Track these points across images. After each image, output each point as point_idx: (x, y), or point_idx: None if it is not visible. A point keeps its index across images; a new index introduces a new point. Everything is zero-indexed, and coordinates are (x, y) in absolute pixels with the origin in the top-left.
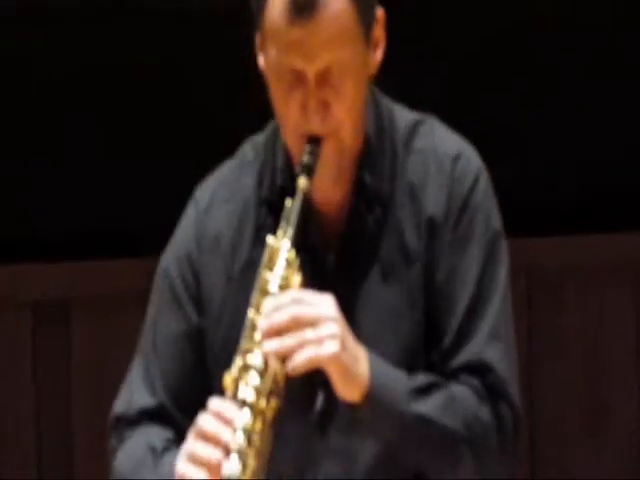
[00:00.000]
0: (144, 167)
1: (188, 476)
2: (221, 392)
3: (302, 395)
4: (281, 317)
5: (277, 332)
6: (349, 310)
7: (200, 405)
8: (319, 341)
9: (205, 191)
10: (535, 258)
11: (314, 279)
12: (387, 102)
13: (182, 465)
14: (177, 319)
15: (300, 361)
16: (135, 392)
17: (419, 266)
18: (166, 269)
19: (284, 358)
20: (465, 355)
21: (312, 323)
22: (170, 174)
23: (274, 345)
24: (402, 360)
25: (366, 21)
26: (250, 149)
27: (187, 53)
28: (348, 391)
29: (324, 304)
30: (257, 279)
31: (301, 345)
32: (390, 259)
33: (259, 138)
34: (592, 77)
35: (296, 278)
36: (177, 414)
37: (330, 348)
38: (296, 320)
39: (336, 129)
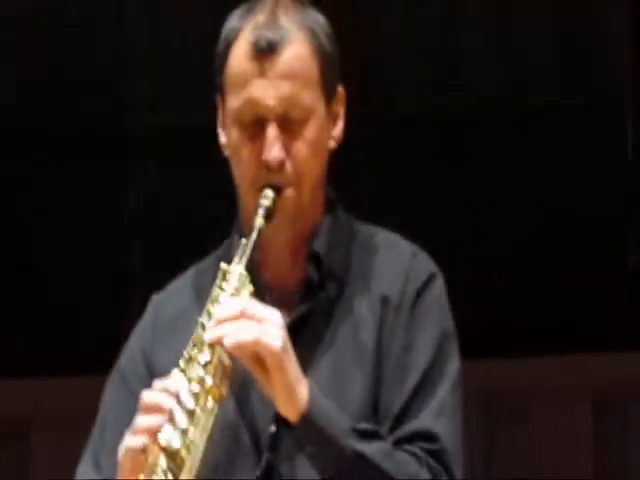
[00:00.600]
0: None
1: (132, 444)
2: None
3: (252, 428)
4: (230, 311)
5: (226, 321)
6: (312, 375)
7: None
8: (265, 332)
9: (161, 292)
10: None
11: None
12: (341, 210)
13: (126, 439)
14: (125, 406)
15: (243, 339)
16: (83, 471)
17: (372, 342)
18: (120, 366)
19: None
20: (413, 425)
21: (260, 320)
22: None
23: (221, 328)
24: (354, 411)
25: (327, 83)
26: (196, 268)
27: None
28: (287, 407)
29: (273, 314)
30: (210, 295)
31: (246, 328)
32: (342, 332)
33: (211, 256)
34: None
35: (248, 289)
36: None
37: (273, 340)
38: (244, 314)
39: (295, 181)
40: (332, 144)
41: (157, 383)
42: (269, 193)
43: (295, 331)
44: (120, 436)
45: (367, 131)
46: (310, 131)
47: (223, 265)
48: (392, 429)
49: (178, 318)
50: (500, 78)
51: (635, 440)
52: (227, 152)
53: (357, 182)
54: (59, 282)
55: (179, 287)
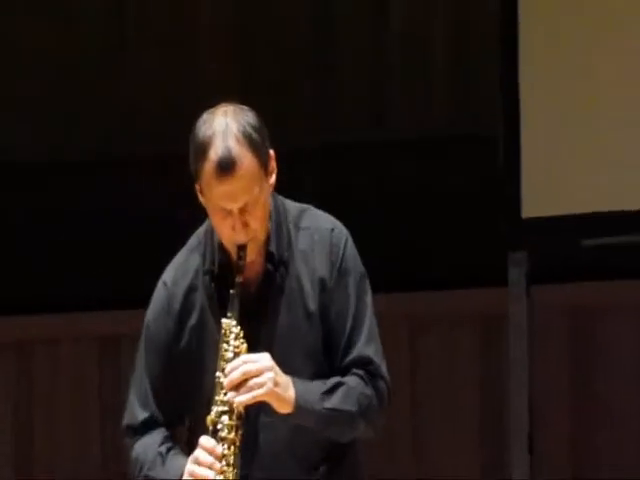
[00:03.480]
0: None
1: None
2: (193, 406)
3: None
4: (236, 375)
5: (236, 386)
6: (276, 337)
7: (176, 413)
8: (261, 385)
9: (168, 274)
10: None
11: (243, 317)
12: (280, 199)
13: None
14: (155, 358)
15: (248, 398)
16: (135, 409)
17: (315, 309)
18: (148, 325)
19: (243, 405)
20: (354, 354)
21: (256, 374)
22: None
23: (234, 396)
24: (309, 365)
25: (264, 164)
26: (195, 238)
27: None
28: (283, 408)
29: (263, 359)
30: (219, 351)
31: (250, 391)
32: (294, 304)
33: (200, 229)
34: None
35: (244, 347)
36: (161, 418)
37: (268, 387)
38: (246, 375)
39: (254, 236)
40: (271, 189)
41: (202, 440)
42: (240, 253)
43: (262, 305)
44: (155, 378)
45: None
46: (259, 205)
47: (224, 320)
48: (342, 359)
49: (186, 298)
50: None
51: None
52: (205, 207)
53: None
54: None
55: (180, 267)
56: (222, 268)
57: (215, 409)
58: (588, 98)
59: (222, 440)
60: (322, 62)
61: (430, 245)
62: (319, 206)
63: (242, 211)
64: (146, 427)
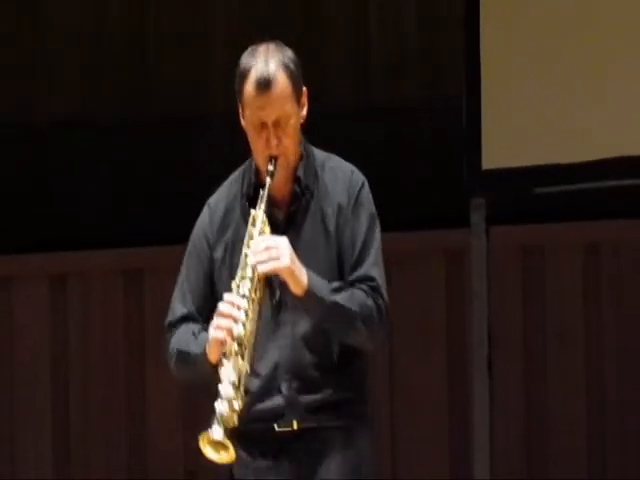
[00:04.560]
0: None
1: (215, 334)
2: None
3: (270, 292)
4: (260, 246)
5: (258, 254)
6: (297, 247)
7: (207, 308)
8: (278, 257)
9: (213, 197)
10: None
11: (274, 232)
12: (309, 145)
13: (211, 331)
14: (197, 264)
15: (269, 267)
16: (175, 306)
17: (333, 229)
18: (193, 239)
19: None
20: (360, 271)
21: (277, 249)
22: None
23: (256, 258)
24: (324, 269)
25: (297, 91)
26: (238, 170)
27: None
28: (296, 288)
29: (282, 240)
30: (247, 232)
31: (270, 258)
32: (315, 223)
33: (242, 165)
34: None
35: (267, 229)
36: (197, 316)
37: (285, 262)
38: (267, 247)
39: (284, 152)
40: (302, 120)
41: (226, 295)
42: (272, 162)
43: (289, 221)
44: (195, 282)
45: None
46: (290, 124)
47: (252, 211)
48: (350, 274)
49: (225, 216)
50: None
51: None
52: (246, 130)
53: None
54: None
55: (222, 197)
56: (257, 191)
57: (239, 274)
58: (543, 62)
59: (243, 297)
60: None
61: (405, 193)
62: None
63: (275, 125)
64: (183, 320)
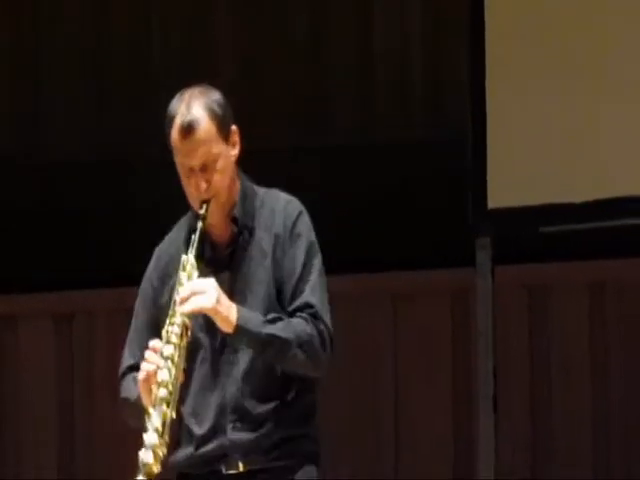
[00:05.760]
0: None
1: (139, 377)
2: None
3: (211, 335)
4: (185, 292)
5: (184, 300)
6: (237, 284)
7: None
8: (203, 297)
9: (162, 244)
10: None
11: (217, 272)
12: (249, 182)
13: (139, 374)
14: (143, 312)
15: (191, 307)
16: (124, 356)
17: (271, 262)
18: (141, 286)
19: (187, 314)
20: (299, 300)
21: (202, 292)
22: None
23: (180, 302)
24: (265, 304)
25: (224, 132)
26: (184, 216)
27: None
28: (224, 325)
29: (209, 282)
30: (177, 279)
31: (195, 300)
32: (256, 259)
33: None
34: None
35: (195, 274)
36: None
37: (209, 301)
38: (193, 292)
39: (215, 194)
40: (234, 159)
41: (151, 343)
42: (203, 207)
43: (230, 260)
44: (141, 330)
45: None
46: (218, 166)
47: (183, 257)
48: (290, 304)
49: (169, 263)
50: None
51: None
52: (179, 172)
53: None
54: None
55: (171, 238)
56: (201, 234)
57: (167, 321)
58: (549, 101)
59: (168, 343)
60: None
61: (410, 233)
62: (323, 197)
63: (203, 170)
64: (130, 370)
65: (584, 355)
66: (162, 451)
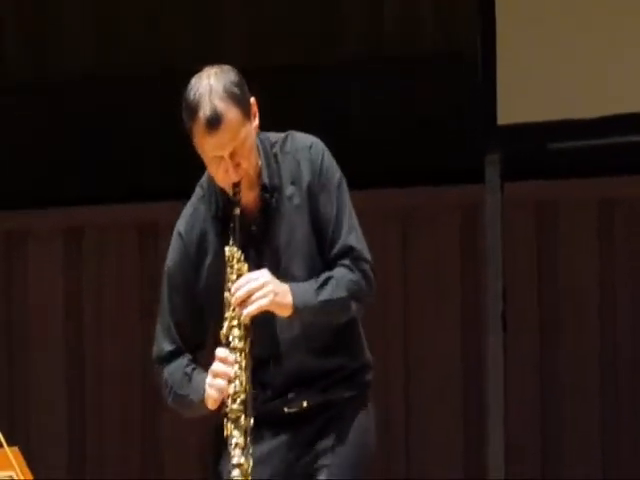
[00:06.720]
0: None
1: (211, 393)
2: (214, 335)
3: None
4: (242, 293)
5: (242, 301)
6: (276, 251)
7: (197, 341)
8: (263, 297)
9: (182, 225)
10: None
11: (250, 242)
12: (263, 134)
13: (207, 388)
14: (178, 297)
15: (254, 309)
16: (161, 341)
17: (305, 213)
18: (168, 271)
19: (250, 317)
20: (339, 245)
21: (259, 289)
22: None
23: (238, 304)
24: (307, 270)
25: (246, 111)
26: (199, 189)
27: None
28: (285, 313)
29: (262, 275)
30: (225, 274)
31: (255, 300)
32: (289, 217)
33: (202, 180)
34: None
35: (244, 267)
36: (185, 347)
37: (269, 299)
38: (249, 292)
39: (245, 173)
40: (255, 130)
41: (217, 352)
42: (235, 189)
43: (264, 226)
44: (179, 313)
45: None
46: (246, 147)
47: (226, 249)
48: (330, 251)
49: (200, 243)
50: None
51: None
52: (203, 158)
53: None
54: None
55: (192, 217)
56: (226, 210)
57: (226, 324)
58: (560, 16)
59: (234, 349)
60: None
61: (420, 149)
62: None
63: (232, 155)
64: (172, 356)
65: (593, 272)
66: (248, 464)
